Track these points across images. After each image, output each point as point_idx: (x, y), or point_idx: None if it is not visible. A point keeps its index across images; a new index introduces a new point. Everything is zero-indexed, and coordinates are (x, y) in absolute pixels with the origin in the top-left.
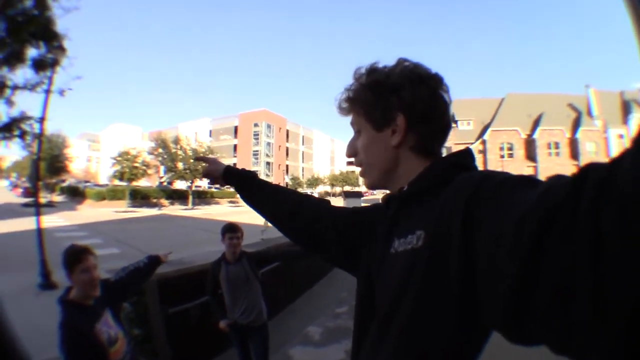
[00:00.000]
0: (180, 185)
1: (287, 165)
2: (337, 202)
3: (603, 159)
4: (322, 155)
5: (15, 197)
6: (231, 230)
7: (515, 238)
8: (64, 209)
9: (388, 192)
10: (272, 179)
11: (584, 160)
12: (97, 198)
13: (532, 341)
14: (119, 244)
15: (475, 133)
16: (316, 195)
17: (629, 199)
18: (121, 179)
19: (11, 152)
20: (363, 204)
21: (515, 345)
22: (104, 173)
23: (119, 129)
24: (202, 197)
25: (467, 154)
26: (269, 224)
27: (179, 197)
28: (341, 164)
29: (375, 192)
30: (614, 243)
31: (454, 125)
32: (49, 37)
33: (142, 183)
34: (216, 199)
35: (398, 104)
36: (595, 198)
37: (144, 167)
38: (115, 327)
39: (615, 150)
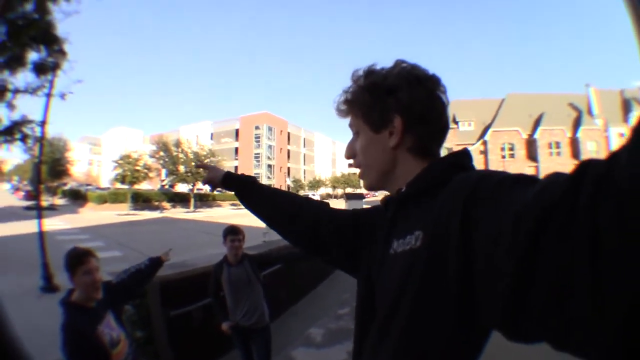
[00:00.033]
0: (182, 188)
1: (288, 168)
2: (339, 204)
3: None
4: (324, 157)
5: (17, 200)
6: (233, 232)
7: (512, 237)
8: (65, 212)
9: (388, 193)
10: (274, 182)
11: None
12: (99, 201)
13: (531, 339)
14: (120, 247)
15: (477, 134)
16: (318, 197)
17: (627, 195)
18: (123, 182)
19: (12, 155)
20: (365, 206)
21: (515, 343)
22: (105, 176)
23: (120, 132)
24: (203, 200)
25: (464, 154)
26: None
27: (180, 200)
28: (343, 166)
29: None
30: (612, 239)
31: (454, 126)
32: (50, 40)
33: (143, 186)
34: (218, 201)
35: (395, 105)
36: (592, 194)
37: (146, 170)
38: (118, 329)
39: None
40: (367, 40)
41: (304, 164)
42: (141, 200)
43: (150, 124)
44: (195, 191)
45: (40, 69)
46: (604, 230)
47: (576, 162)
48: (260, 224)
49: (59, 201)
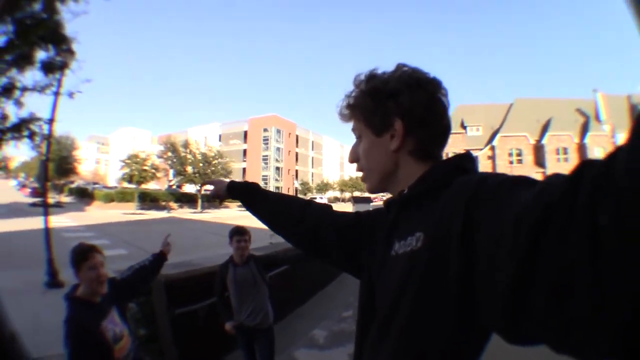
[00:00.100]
0: (189, 188)
1: (296, 171)
2: (347, 207)
3: None
4: (332, 160)
5: (23, 197)
6: (239, 233)
7: (513, 238)
8: (72, 209)
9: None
10: (282, 184)
11: None
12: (106, 200)
13: (530, 341)
14: (126, 245)
15: (485, 139)
16: (325, 200)
17: (625, 193)
18: (130, 181)
19: (20, 152)
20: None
21: (514, 346)
22: (112, 175)
23: (129, 132)
24: (211, 201)
25: (467, 157)
26: None
27: (187, 200)
28: (350, 169)
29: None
30: (611, 238)
31: (462, 130)
32: (58, 40)
33: (151, 186)
34: (225, 202)
35: (396, 109)
36: (591, 193)
37: (153, 170)
38: (121, 325)
39: None
40: (375, 44)
41: (312, 166)
42: (148, 200)
43: (159, 125)
44: (202, 192)
45: (48, 67)
46: (603, 229)
47: None
48: None
49: (65, 199)
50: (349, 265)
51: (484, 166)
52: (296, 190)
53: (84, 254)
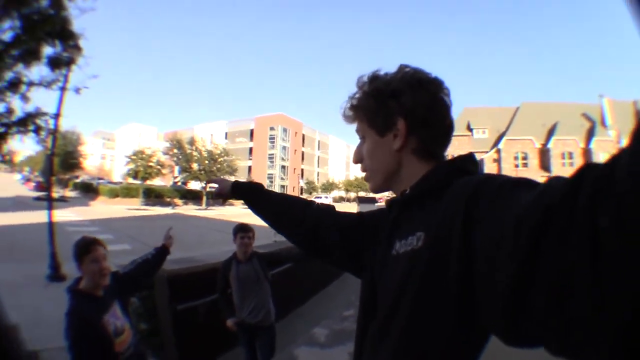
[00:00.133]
0: (194, 185)
1: (302, 170)
2: (351, 207)
3: None
4: (338, 160)
5: (27, 191)
6: (243, 230)
7: (514, 240)
8: (76, 204)
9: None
10: (287, 183)
11: None
12: (111, 195)
13: (529, 342)
14: (130, 240)
15: (491, 142)
16: (330, 200)
17: (627, 196)
18: (135, 177)
19: (25, 146)
20: None
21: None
22: (118, 171)
23: (135, 128)
24: (215, 199)
25: (469, 159)
26: None
27: (192, 197)
28: (356, 169)
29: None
30: (612, 240)
31: (468, 133)
32: (65, 36)
33: (156, 182)
34: (230, 200)
35: (398, 109)
36: (592, 195)
37: (159, 167)
38: (123, 319)
39: None
40: (383, 44)
41: (318, 166)
42: (153, 196)
43: (165, 122)
44: (207, 189)
45: (55, 63)
46: (604, 231)
47: None
48: None
49: (70, 193)
50: (351, 265)
51: (489, 169)
52: (301, 189)
53: (86, 247)
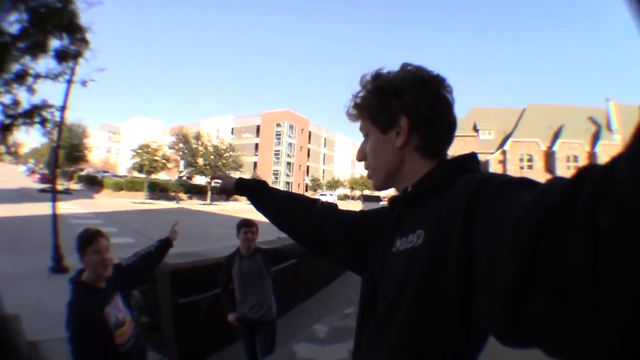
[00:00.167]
0: (199, 180)
1: (307, 167)
2: (356, 205)
3: None
4: (344, 158)
5: (32, 183)
6: (246, 224)
7: (514, 239)
8: (80, 197)
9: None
10: (292, 179)
11: None
12: (115, 188)
13: (526, 343)
14: (134, 234)
15: (496, 143)
16: (335, 197)
17: (627, 197)
18: (140, 171)
19: (30, 138)
20: None
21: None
22: (123, 164)
23: (141, 122)
24: (220, 194)
25: (471, 157)
26: None
27: (197, 192)
28: (362, 167)
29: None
30: (611, 240)
31: (474, 134)
32: (72, 29)
33: (161, 176)
34: (235, 196)
35: (401, 106)
36: (592, 196)
37: (164, 161)
38: (124, 311)
39: None
40: (391, 44)
41: (324, 163)
42: (158, 190)
43: (171, 116)
44: (212, 184)
45: (62, 56)
46: (604, 232)
47: None
48: None
49: (74, 186)
50: (354, 263)
51: (494, 170)
52: (306, 186)
53: (89, 238)
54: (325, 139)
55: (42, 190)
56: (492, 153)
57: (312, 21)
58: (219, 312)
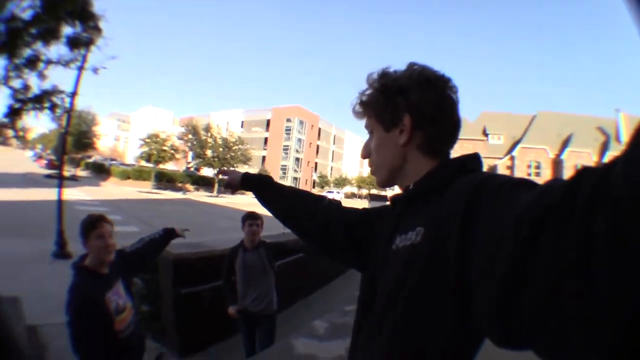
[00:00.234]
0: (207, 172)
1: (316, 163)
2: (363, 204)
3: None
4: (352, 156)
5: (38, 168)
6: (251, 217)
7: (513, 238)
8: (87, 184)
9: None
10: (300, 175)
11: None
12: (122, 177)
13: (522, 344)
14: (139, 223)
15: (505, 148)
16: (342, 195)
17: (621, 200)
18: (148, 160)
19: (38, 124)
20: None
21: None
22: (131, 153)
23: (150, 111)
24: (226, 188)
25: (474, 158)
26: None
27: (204, 183)
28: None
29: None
30: (608, 242)
31: (484, 138)
32: (85, 17)
33: (168, 166)
34: (241, 190)
35: (405, 105)
36: (589, 199)
37: (172, 151)
38: (125, 298)
39: None
40: (405, 46)
41: (332, 160)
42: (165, 180)
43: (181, 107)
44: (220, 176)
45: (74, 43)
46: (599, 235)
47: None
48: None
49: (81, 173)
50: (357, 262)
51: None
52: (314, 183)
53: (92, 223)
54: (334, 136)
55: (49, 176)
56: (500, 158)
57: (328, 18)
58: (220, 303)
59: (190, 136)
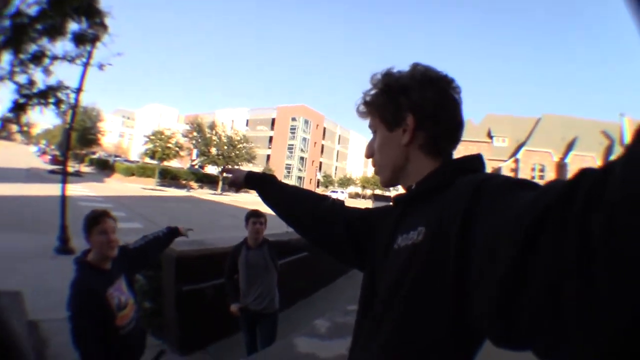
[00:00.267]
0: (211, 170)
1: (320, 162)
2: (367, 204)
3: None
4: (357, 156)
5: (42, 163)
6: (255, 215)
7: (512, 238)
8: (91, 180)
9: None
10: (305, 175)
11: None
12: (126, 173)
13: (520, 344)
14: (142, 219)
15: (510, 150)
16: (346, 195)
17: (618, 204)
18: (152, 157)
19: (43, 119)
20: None
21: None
22: (135, 150)
23: (156, 108)
24: (229, 187)
25: (476, 159)
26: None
27: (208, 181)
28: None
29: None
30: (603, 245)
31: (488, 140)
32: (91, 13)
33: (173, 164)
34: (244, 189)
35: (407, 104)
36: (586, 201)
37: (177, 149)
38: (127, 294)
39: None
40: (412, 47)
41: (337, 160)
42: (169, 177)
43: (187, 104)
44: (224, 174)
45: (79, 39)
46: (596, 237)
47: None
48: None
49: (85, 169)
50: (358, 261)
51: None
52: (318, 182)
53: (95, 219)
54: (339, 136)
55: (52, 172)
56: (504, 161)
57: (335, 18)
58: (222, 301)
59: (195, 134)
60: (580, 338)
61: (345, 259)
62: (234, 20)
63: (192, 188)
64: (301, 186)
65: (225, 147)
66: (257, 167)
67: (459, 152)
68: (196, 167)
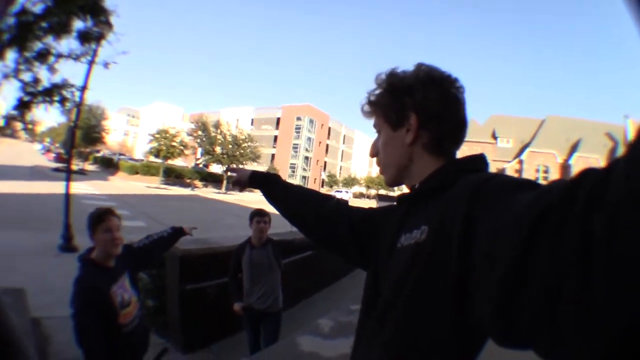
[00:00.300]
0: (215, 169)
1: (325, 162)
2: (371, 204)
3: None
4: (362, 156)
5: (46, 161)
6: (259, 214)
7: (512, 237)
8: (95, 178)
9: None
10: (309, 174)
11: None
12: (130, 172)
13: (522, 343)
14: (146, 218)
15: (514, 151)
16: (350, 195)
17: (621, 203)
18: (157, 155)
19: (47, 117)
20: None
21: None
22: (140, 148)
23: (161, 107)
24: (234, 186)
25: (480, 158)
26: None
27: (213, 180)
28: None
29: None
30: (604, 245)
31: (493, 141)
32: (96, 11)
33: (177, 162)
34: (249, 188)
35: (411, 104)
36: (588, 200)
37: (182, 147)
38: (130, 292)
39: None
40: (417, 48)
41: (341, 160)
42: (173, 176)
43: (192, 103)
44: (229, 173)
45: (84, 37)
46: (597, 237)
47: None
48: None
49: (89, 167)
50: (362, 261)
51: None
52: (322, 182)
53: (100, 216)
54: (344, 135)
55: (56, 170)
56: (509, 162)
57: (341, 18)
58: (225, 300)
59: (199, 132)
60: (579, 339)
61: (350, 259)
62: (240, 19)
63: (197, 187)
64: (305, 186)
65: (230, 146)
66: (261, 167)
67: (463, 153)
68: (201, 165)
